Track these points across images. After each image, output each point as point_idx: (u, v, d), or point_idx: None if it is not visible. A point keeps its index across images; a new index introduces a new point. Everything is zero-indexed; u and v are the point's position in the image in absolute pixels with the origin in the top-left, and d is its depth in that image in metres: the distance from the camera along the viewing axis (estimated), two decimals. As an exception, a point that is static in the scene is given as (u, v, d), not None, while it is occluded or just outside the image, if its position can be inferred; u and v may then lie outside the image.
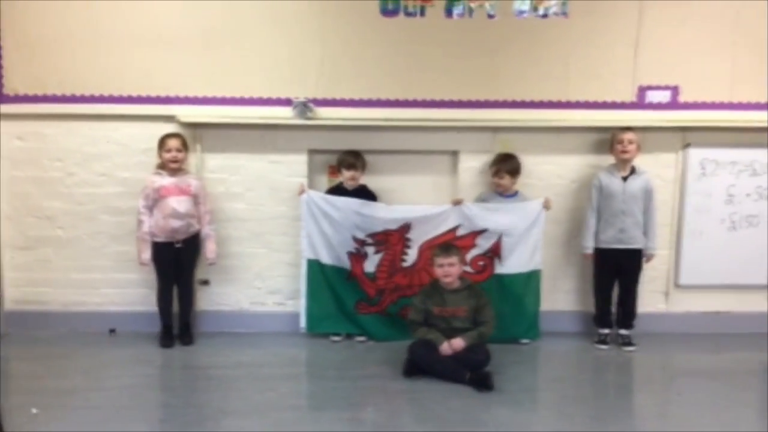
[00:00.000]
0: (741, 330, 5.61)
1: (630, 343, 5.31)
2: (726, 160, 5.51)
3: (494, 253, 5.32)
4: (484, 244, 5.31)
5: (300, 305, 5.41)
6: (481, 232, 5.29)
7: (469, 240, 5.30)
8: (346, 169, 5.29)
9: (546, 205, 5.29)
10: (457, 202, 5.30)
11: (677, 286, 5.67)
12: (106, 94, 5.27)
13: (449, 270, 4.74)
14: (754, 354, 5.29)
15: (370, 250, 5.31)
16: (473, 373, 4.50)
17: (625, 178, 5.23)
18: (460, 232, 5.30)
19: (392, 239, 5.29)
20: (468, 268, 5.28)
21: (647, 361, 5.15)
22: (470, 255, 5.32)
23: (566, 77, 5.37)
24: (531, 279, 5.36)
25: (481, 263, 5.34)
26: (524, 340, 5.40)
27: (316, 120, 5.31)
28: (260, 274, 5.58)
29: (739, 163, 5.52)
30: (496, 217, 5.28)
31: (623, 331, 5.37)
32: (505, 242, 5.29)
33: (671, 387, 4.85)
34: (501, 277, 5.34)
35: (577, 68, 5.37)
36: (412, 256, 5.32)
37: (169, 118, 5.26)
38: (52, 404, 4.12)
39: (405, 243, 5.30)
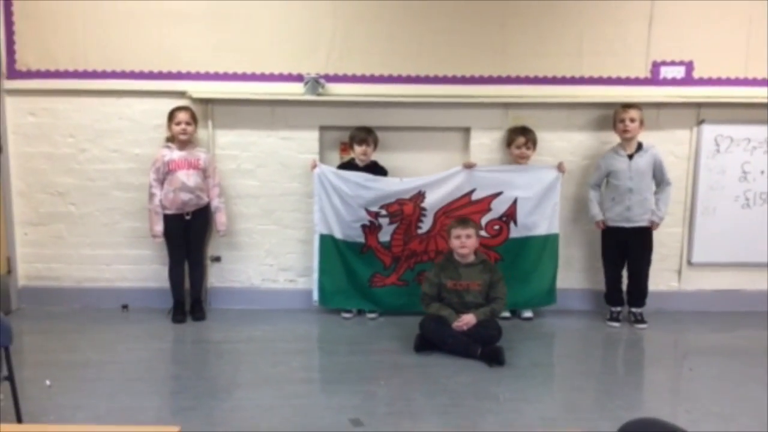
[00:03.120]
0: (754, 308, 5.58)
1: (642, 321, 5.29)
2: (740, 137, 5.46)
3: (509, 216, 5.30)
4: (498, 207, 5.29)
5: (312, 280, 5.43)
6: (496, 195, 5.27)
7: (485, 204, 5.28)
8: (357, 145, 5.28)
9: (561, 169, 5.28)
10: (469, 165, 5.27)
11: (690, 264, 5.63)
12: (118, 69, 5.27)
13: (466, 242, 4.74)
14: (766, 332, 5.26)
15: (384, 221, 5.30)
16: (485, 348, 4.51)
17: (631, 156, 5.19)
18: (475, 196, 5.28)
19: (406, 209, 5.27)
20: (483, 233, 5.27)
21: (659, 338, 5.14)
22: (485, 219, 5.30)
23: (579, 53, 5.32)
24: (548, 242, 5.35)
25: (496, 227, 5.33)
26: (527, 314, 5.42)
27: (327, 96, 5.29)
28: (271, 251, 5.59)
29: (753, 140, 5.47)
30: (511, 179, 5.26)
31: (634, 309, 5.34)
32: (521, 205, 5.27)
33: (683, 363, 4.85)
34: (517, 240, 5.33)
35: (591, 44, 5.32)
36: (427, 223, 5.30)
37: (181, 94, 5.26)
38: (66, 377, 4.16)
39: (420, 211, 5.29)
